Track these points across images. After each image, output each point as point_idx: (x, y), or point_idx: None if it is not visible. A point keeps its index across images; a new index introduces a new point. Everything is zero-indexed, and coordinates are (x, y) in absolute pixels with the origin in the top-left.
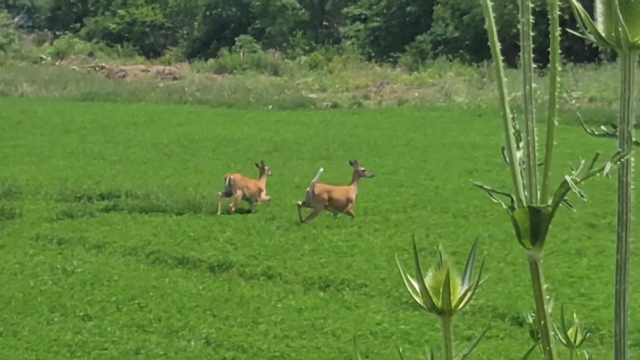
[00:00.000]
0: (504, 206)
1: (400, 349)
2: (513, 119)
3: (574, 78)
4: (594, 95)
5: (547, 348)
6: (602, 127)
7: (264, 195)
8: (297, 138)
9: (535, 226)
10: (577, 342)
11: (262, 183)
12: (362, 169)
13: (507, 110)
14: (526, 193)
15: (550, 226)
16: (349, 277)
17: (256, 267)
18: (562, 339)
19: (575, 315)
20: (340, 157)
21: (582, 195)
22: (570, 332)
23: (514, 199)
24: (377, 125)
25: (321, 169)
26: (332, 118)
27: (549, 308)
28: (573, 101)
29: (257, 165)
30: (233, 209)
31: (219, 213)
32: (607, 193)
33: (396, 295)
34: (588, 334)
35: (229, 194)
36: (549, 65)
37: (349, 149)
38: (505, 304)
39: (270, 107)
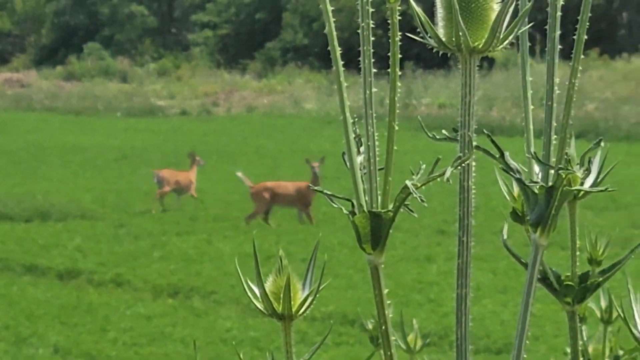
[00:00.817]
0: (345, 211)
1: (246, 355)
2: (354, 123)
3: (424, 85)
4: (443, 102)
5: (388, 353)
6: (443, 132)
7: (194, 188)
8: (146, 145)
9: (376, 231)
10: (417, 347)
11: (193, 174)
12: (316, 164)
13: (347, 114)
14: (367, 198)
15: (399, 233)
16: (198, 285)
17: (105, 275)
18: (402, 344)
19: (415, 321)
20: (190, 165)
21: (422, 201)
22: (410, 337)
23: (355, 204)
24: (227, 132)
25: (239, 173)
26: (181, 125)
27: (389, 313)
28: (423, 108)
29: (188, 155)
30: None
31: (153, 211)
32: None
33: (245, 303)
34: (428, 340)
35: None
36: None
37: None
38: (355, 310)
39: (118, 114)
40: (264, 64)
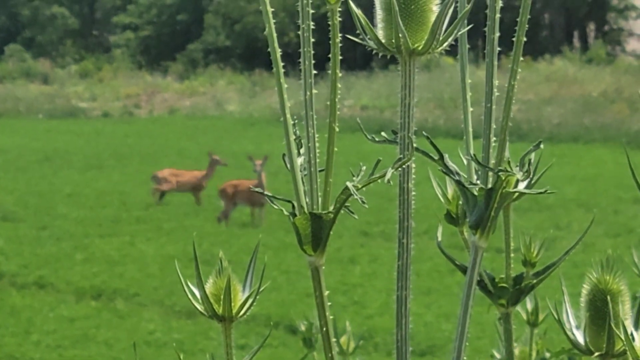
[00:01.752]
0: (285, 212)
1: (170, 358)
2: (294, 125)
3: (346, 86)
4: (366, 103)
5: (329, 355)
6: (382, 134)
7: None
8: (68, 147)
9: (317, 232)
10: (350, 349)
11: (205, 175)
12: (259, 162)
13: (288, 116)
14: (307, 199)
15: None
16: (121, 287)
17: (27, 277)
18: (335, 346)
19: (347, 324)
20: (112, 167)
21: (363, 202)
22: (343, 340)
23: (295, 205)
24: (149, 134)
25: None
26: (103, 127)
27: (330, 315)
28: (345, 109)
29: (208, 154)
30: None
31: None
32: (381, 202)
33: (169, 304)
34: (361, 342)
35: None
36: (327, 72)
37: (121, 158)
38: (279, 312)
39: (40, 116)
40: (185, 65)
